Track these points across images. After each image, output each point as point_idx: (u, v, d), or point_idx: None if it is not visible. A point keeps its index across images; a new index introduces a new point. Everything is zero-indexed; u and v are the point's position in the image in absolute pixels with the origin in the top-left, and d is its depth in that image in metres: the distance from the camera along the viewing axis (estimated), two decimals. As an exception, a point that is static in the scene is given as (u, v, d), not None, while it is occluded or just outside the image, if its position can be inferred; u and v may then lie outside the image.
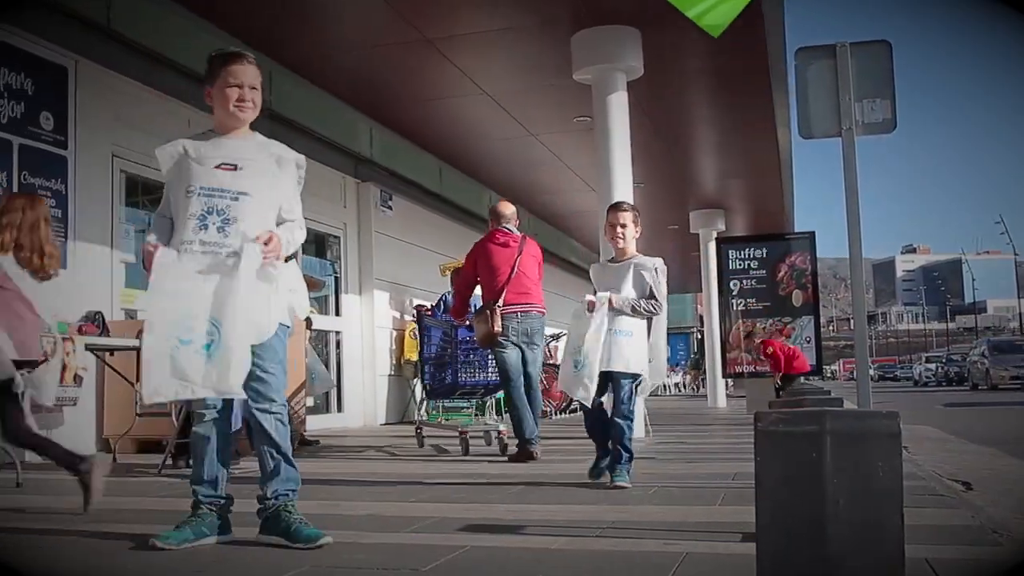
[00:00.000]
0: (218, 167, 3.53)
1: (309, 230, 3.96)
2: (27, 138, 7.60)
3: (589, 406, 5.29)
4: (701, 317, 25.04)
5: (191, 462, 3.72)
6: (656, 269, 5.42)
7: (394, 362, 13.72)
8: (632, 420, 5.34)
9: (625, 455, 5.24)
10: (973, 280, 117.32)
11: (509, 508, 4.48)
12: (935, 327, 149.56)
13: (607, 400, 5.46)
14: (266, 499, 3.59)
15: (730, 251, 16.15)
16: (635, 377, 5.29)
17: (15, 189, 7.42)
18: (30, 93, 7.66)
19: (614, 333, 5.24)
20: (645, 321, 5.39)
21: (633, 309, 5.29)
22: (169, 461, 6.62)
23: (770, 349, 14.18)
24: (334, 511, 4.53)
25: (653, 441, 8.70)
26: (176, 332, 3.30)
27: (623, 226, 5.49)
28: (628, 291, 5.34)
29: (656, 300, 5.37)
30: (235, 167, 3.55)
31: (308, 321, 9.06)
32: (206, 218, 3.48)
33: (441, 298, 12.18)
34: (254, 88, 3.64)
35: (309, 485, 5.63)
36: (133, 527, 4.02)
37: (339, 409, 12.61)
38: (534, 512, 4.35)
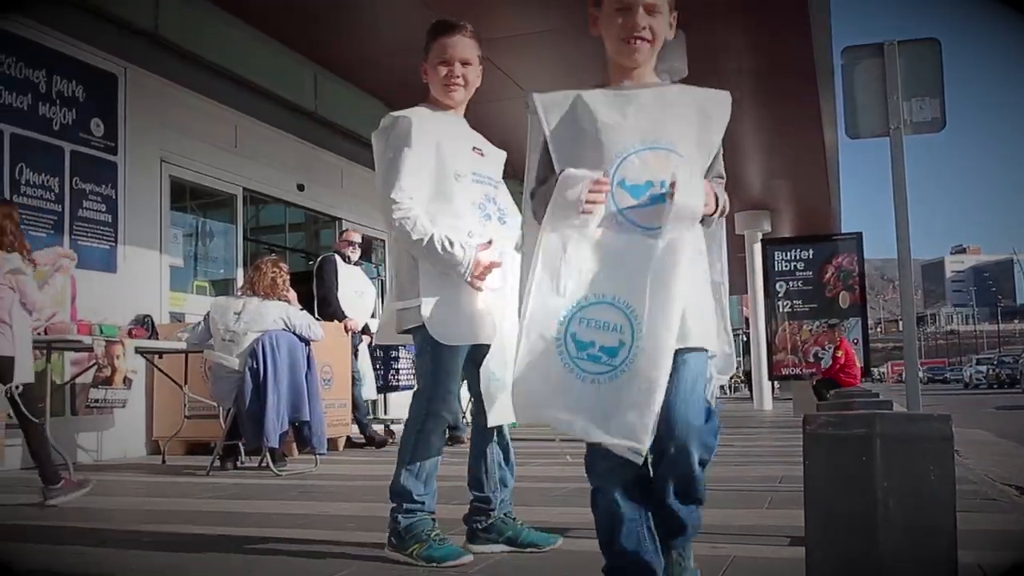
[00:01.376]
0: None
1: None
2: (78, 144, 7.73)
3: (641, 462, 2.20)
4: (747, 319, 24.86)
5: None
6: None
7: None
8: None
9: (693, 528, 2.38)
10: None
11: (555, 511, 4.47)
12: (986, 328, 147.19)
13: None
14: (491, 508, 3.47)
15: (776, 252, 16.03)
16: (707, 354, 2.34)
17: (67, 194, 7.56)
18: (81, 100, 7.79)
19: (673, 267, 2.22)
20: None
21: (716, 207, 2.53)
22: (217, 463, 6.69)
23: (839, 352, 13.87)
24: (380, 513, 4.54)
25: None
26: None
27: (652, 10, 2.66)
28: (694, 162, 2.52)
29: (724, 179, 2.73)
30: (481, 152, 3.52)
31: (367, 327, 9.07)
32: (486, 207, 3.38)
33: None
34: (467, 63, 3.51)
35: (355, 485, 5.67)
36: (184, 528, 4.07)
37: (385, 412, 12.67)
38: (579, 515, 4.33)
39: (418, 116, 3.37)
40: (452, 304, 3.21)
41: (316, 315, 8.42)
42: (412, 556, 3.19)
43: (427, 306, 3.19)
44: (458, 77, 3.46)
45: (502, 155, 3.63)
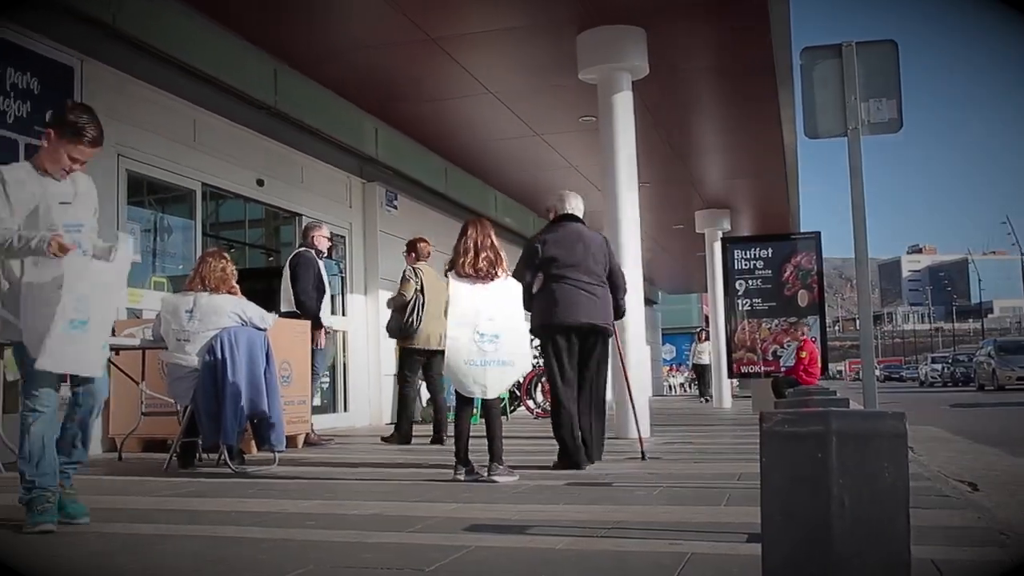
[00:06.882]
0: None
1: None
2: (33, 137, 7.60)
3: None
4: (707, 317, 25.01)
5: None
6: None
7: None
8: None
9: None
10: (979, 280, 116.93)
11: (514, 508, 4.48)
12: (941, 327, 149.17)
13: None
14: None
15: (735, 251, 16.14)
16: None
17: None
18: (36, 92, 7.66)
19: None
20: None
21: None
22: (174, 460, 6.62)
23: (804, 353, 13.87)
24: (339, 511, 4.53)
25: (659, 441, 8.69)
26: None
27: None
28: None
29: None
30: None
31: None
32: None
33: None
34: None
35: (314, 483, 5.64)
36: (138, 527, 4.03)
37: (345, 409, 12.63)
38: (539, 512, 4.35)
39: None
40: None
41: (285, 310, 8.43)
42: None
43: None
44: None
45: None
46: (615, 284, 6.64)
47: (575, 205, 6.75)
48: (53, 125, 4.07)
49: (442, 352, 8.20)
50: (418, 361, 8.95)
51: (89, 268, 4.01)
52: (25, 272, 3.94)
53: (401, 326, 8.79)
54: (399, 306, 8.83)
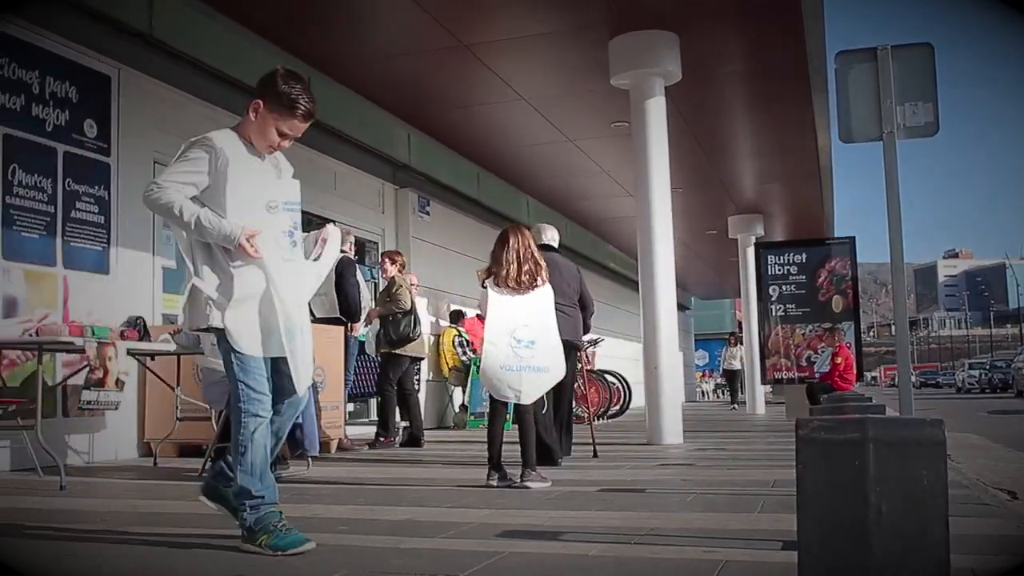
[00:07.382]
0: None
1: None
2: (71, 145, 7.70)
3: None
4: (740, 323, 24.84)
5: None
6: None
7: (432, 368, 13.73)
8: None
9: None
10: (1017, 285, 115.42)
11: (547, 514, 4.47)
12: (978, 333, 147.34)
13: None
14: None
15: (769, 256, 16.04)
16: None
17: (60, 195, 7.53)
18: (74, 101, 7.76)
19: None
20: None
21: None
22: (209, 465, 6.66)
23: (839, 359, 13.69)
24: (371, 516, 4.54)
25: (692, 447, 8.65)
26: None
27: None
28: None
29: None
30: None
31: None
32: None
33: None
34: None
35: (347, 488, 5.66)
36: (171, 530, 4.05)
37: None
38: (572, 518, 4.34)
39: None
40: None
41: (320, 315, 8.54)
42: (261, 546, 3.42)
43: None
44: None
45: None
46: (585, 306, 7.60)
47: (551, 236, 7.72)
48: (262, 95, 3.61)
49: (423, 358, 10.27)
50: (405, 368, 9.39)
51: (301, 267, 3.75)
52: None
53: (408, 335, 9.16)
54: (393, 313, 9.18)
